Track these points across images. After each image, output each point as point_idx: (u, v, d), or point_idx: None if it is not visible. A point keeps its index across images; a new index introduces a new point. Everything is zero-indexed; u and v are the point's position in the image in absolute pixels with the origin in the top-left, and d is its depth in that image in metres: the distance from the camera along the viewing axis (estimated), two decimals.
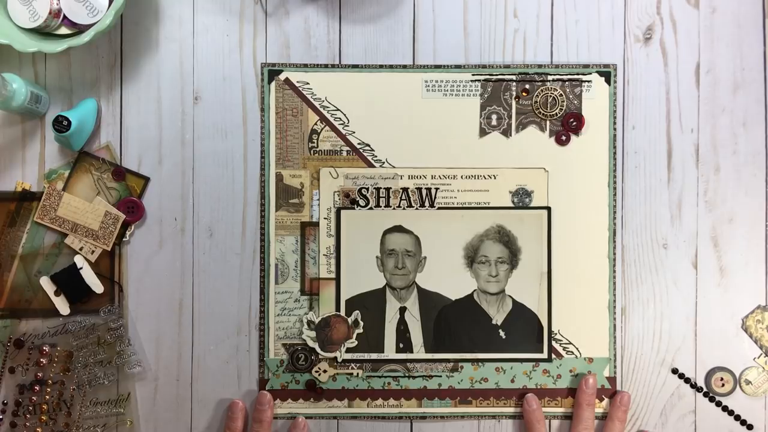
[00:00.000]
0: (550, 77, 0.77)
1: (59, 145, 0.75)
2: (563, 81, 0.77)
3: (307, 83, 0.77)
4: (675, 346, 0.77)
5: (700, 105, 0.78)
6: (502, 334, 0.77)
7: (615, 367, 0.77)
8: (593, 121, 0.77)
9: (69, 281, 0.75)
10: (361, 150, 0.77)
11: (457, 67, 0.77)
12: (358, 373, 0.77)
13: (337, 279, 0.77)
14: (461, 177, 0.77)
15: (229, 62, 0.77)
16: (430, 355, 0.77)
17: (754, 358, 0.78)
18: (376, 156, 0.77)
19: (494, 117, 0.77)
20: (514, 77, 0.77)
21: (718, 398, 0.77)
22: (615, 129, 0.77)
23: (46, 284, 0.75)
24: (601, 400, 0.77)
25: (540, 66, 0.77)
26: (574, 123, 0.77)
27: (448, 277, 0.77)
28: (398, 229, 0.77)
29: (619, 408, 0.76)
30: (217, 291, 0.77)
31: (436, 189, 0.77)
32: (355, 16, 0.77)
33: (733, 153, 0.78)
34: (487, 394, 0.77)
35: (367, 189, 0.77)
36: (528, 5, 0.78)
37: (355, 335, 0.76)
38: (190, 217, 0.77)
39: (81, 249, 0.75)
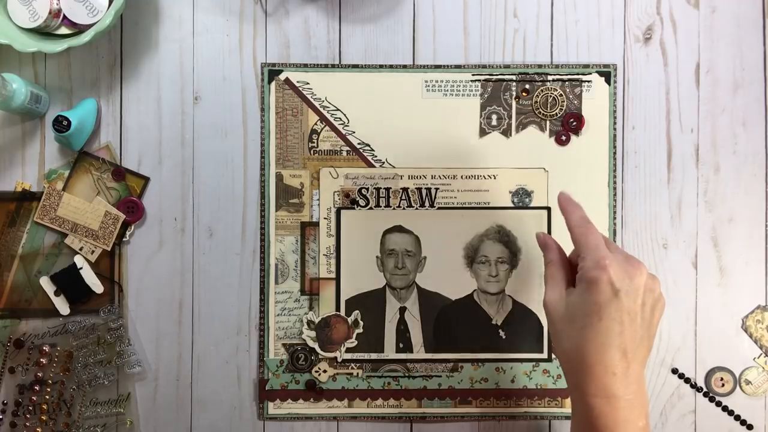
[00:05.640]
0: (550, 77, 0.77)
1: (59, 145, 0.75)
2: (563, 81, 0.77)
3: (307, 83, 0.77)
4: (675, 346, 0.77)
5: (700, 105, 0.78)
6: (502, 334, 0.77)
7: None
8: (593, 121, 0.77)
9: (69, 281, 0.75)
10: (361, 150, 0.77)
11: (457, 67, 0.77)
12: (358, 373, 0.77)
13: (337, 279, 0.76)
14: (461, 177, 0.77)
15: (229, 62, 0.77)
16: (430, 355, 0.77)
17: (754, 358, 0.78)
18: (376, 156, 0.77)
19: (494, 117, 0.77)
20: (514, 77, 0.77)
21: (718, 398, 0.77)
22: (615, 129, 0.77)
23: (46, 284, 0.75)
24: None
25: (540, 66, 0.77)
26: (574, 123, 0.77)
27: (448, 277, 0.77)
28: (398, 229, 0.77)
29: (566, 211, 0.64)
30: (217, 291, 0.76)
31: (436, 189, 0.77)
32: (355, 16, 0.77)
33: (733, 153, 0.78)
34: (487, 394, 0.77)
35: (367, 189, 0.77)
36: (528, 5, 0.78)
37: (355, 335, 0.76)
38: (190, 217, 0.77)
39: (81, 249, 0.75)
